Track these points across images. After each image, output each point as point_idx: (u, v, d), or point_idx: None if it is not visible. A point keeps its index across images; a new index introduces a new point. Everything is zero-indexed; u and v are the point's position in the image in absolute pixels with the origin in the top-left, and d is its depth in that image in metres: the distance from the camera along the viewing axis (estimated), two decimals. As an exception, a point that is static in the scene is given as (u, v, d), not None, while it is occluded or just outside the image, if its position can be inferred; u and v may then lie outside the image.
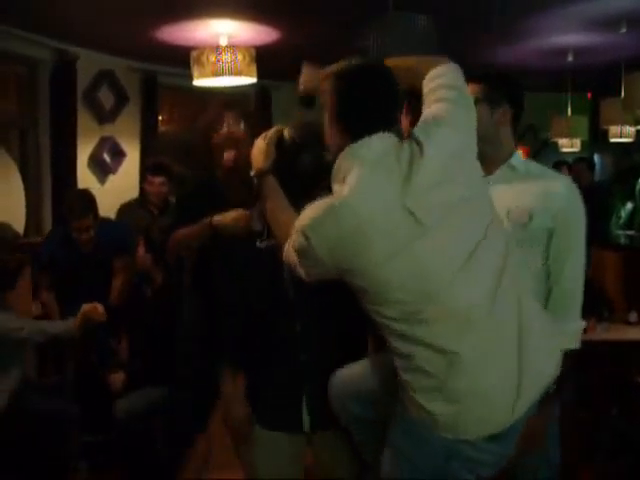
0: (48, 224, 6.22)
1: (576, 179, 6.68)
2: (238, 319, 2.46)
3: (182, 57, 5.60)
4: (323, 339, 2.38)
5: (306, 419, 2.40)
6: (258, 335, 2.42)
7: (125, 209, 5.26)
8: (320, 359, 2.36)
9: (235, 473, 2.79)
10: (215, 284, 2.71)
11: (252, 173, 2.27)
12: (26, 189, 6.08)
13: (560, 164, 7.34)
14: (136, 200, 5.29)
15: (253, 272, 2.41)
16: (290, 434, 2.43)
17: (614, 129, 7.44)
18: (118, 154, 6.83)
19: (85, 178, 6.51)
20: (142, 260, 3.98)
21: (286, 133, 2.41)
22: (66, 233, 4.37)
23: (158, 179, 5.16)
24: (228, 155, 3.00)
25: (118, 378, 3.95)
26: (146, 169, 5.26)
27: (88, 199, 4.43)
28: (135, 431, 3.62)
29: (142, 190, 5.46)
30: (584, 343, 4.06)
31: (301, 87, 2.59)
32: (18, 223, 5.73)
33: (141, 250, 4.01)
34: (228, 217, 2.87)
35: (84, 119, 6.47)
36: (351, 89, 2.08)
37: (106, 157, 6.70)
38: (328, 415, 2.33)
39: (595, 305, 4.75)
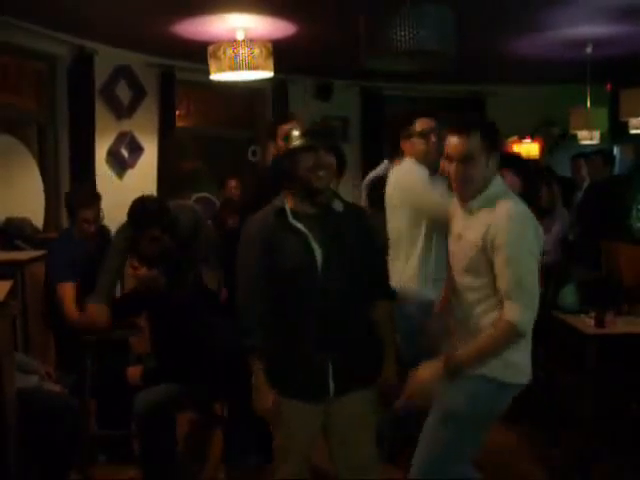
0: (66, 218, 6.24)
1: (592, 172, 6.66)
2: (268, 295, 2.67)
3: (199, 52, 5.62)
4: (348, 310, 2.67)
5: (332, 385, 2.66)
6: (292, 314, 2.66)
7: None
8: (346, 331, 2.67)
9: (250, 472, 2.82)
10: (244, 265, 2.76)
11: None
12: (45, 184, 6.13)
13: (578, 157, 7.25)
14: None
15: (287, 247, 2.64)
16: (313, 402, 2.67)
17: (634, 121, 7.37)
18: (136, 149, 6.86)
19: (103, 173, 6.54)
20: (147, 279, 3.85)
21: None
22: (69, 237, 4.36)
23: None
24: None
25: (136, 372, 3.96)
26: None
27: (91, 191, 4.42)
28: (153, 425, 3.62)
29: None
30: (605, 337, 4.08)
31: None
32: (37, 218, 5.78)
33: (141, 271, 3.80)
34: None
35: (102, 114, 6.49)
36: None
37: (124, 152, 6.72)
38: (351, 379, 2.68)
39: (615, 299, 4.72)
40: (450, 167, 2.68)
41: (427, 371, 2.59)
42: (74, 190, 4.74)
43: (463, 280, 2.72)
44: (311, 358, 2.65)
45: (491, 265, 2.59)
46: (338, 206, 2.72)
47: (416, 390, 2.59)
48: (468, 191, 2.68)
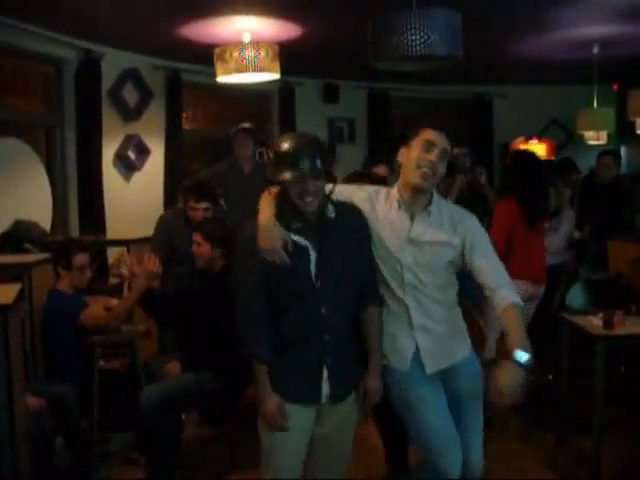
0: (74, 221, 6.28)
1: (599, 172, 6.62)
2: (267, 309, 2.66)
3: (206, 54, 5.63)
4: (343, 320, 2.69)
5: (325, 392, 2.67)
6: (288, 320, 2.64)
7: (166, 220, 5.01)
8: (340, 337, 2.67)
9: (257, 473, 2.82)
10: (242, 279, 2.75)
11: None
12: (52, 187, 6.15)
13: (605, 154, 7.06)
14: (179, 211, 4.84)
15: (283, 266, 2.60)
16: (306, 406, 2.69)
17: (641, 121, 7.36)
18: (143, 151, 6.88)
19: (110, 175, 6.56)
20: (209, 257, 3.95)
21: None
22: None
23: (203, 204, 4.63)
24: None
25: (175, 366, 3.99)
26: (187, 192, 4.76)
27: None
28: (160, 420, 3.64)
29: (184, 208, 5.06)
30: (613, 337, 4.07)
31: None
32: (45, 221, 5.79)
33: (205, 248, 3.93)
34: None
35: (109, 117, 6.51)
36: None
37: (131, 154, 6.74)
38: (345, 387, 2.72)
39: (623, 299, 4.70)
40: (431, 155, 2.69)
41: (506, 371, 2.54)
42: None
43: (434, 280, 2.77)
44: (306, 363, 2.66)
45: (456, 264, 2.77)
46: (330, 212, 2.66)
47: (504, 390, 2.54)
48: (432, 186, 2.74)
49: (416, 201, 2.75)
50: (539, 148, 8.30)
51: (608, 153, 6.63)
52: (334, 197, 2.69)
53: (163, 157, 7.10)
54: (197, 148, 7.98)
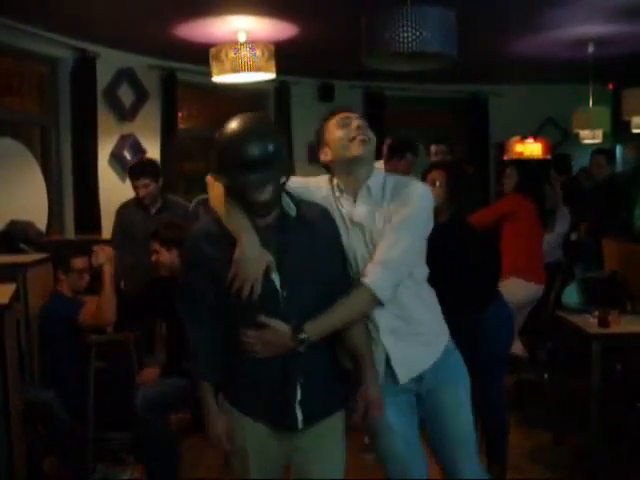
0: (70, 221, 6.27)
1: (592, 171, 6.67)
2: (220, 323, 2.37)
3: (201, 54, 5.62)
4: None
5: (299, 415, 2.32)
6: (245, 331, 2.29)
7: (123, 210, 5.17)
8: (313, 350, 2.29)
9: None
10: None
11: None
12: (48, 187, 6.13)
13: (598, 152, 7.09)
14: (133, 200, 5.07)
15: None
16: (278, 431, 2.35)
17: (636, 120, 7.36)
18: (138, 151, 6.86)
19: (106, 175, 6.55)
20: (167, 264, 3.93)
21: None
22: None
23: (142, 182, 4.92)
24: None
25: (152, 373, 3.98)
26: (128, 173, 5.03)
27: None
28: (152, 421, 3.63)
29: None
30: (608, 336, 4.07)
31: None
32: (40, 221, 5.78)
33: (163, 255, 3.97)
34: None
35: (104, 117, 6.50)
36: None
37: (127, 154, 6.73)
38: (323, 408, 2.37)
39: (618, 298, 4.71)
40: (354, 125, 2.52)
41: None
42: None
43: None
44: (277, 384, 2.30)
45: None
46: (291, 209, 2.31)
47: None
48: (371, 155, 2.56)
49: (356, 179, 2.48)
50: (534, 147, 8.31)
51: (601, 152, 6.64)
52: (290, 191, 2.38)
53: (159, 157, 7.08)
54: (193, 148, 7.97)
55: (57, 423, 3.86)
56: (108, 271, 4.12)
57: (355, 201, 2.48)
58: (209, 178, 2.49)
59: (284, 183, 2.29)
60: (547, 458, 4.30)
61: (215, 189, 2.41)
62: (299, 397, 2.30)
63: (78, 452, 3.96)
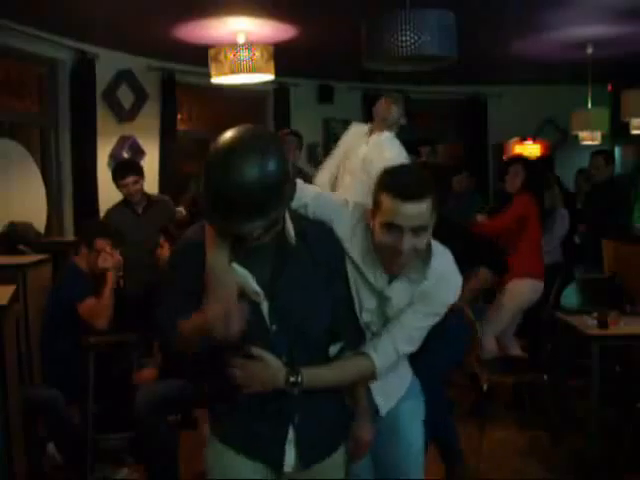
0: (69, 222, 6.27)
1: (591, 172, 6.67)
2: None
3: (200, 55, 5.63)
4: (309, 362, 2.04)
5: (294, 456, 2.06)
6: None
7: (111, 213, 5.22)
8: (311, 390, 2.03)
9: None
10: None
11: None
12: (47, 188, 6.14)
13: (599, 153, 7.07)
14: (119, 203, 5.15)
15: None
16: (270, 471, 2.09)
17: (635, 121, 7.36)
18: (138, 152, 6.86)
19: (105, 177, 6.53)
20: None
21: None
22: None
23: (133, 178, 5.03)
24: None
25: (150, 374, 4.00)
26: (113, 175, 5.12)
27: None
28: (152, 421, 3.64)
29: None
30: (608, 337, 4.08)
31: None
32: (39, 222, 5.78)
33: (166, 251, 4.03)
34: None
35: (104, 118, 6.50)
36: None
37: (126, 155, 6.73)
38: (319, 451, 2.11)
39: (617, 299, 4.72)
40: (398, 241, 2.02)
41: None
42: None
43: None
44: (267, 425, 2.04)
45: None
46: (291, 235, 1.98)
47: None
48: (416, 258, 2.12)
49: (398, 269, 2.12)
50: (534, 148, 8.32)
51: (600, 153, 6.64)
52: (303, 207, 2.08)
53: (158, 158, 7.09)
54: (192, 149, 7.97)
55: (60, 421, 3.86)
56: (111, 278, 4.22)
57: (390, 279, 2.14)
58: None
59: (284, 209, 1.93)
60: (546, 459, 4.30)
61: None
62: (294, 438, 2.05)
63: (78, 452, 3.97)
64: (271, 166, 1.78)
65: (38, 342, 4.18)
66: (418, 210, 1.98)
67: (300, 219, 2.04)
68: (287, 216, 1.98)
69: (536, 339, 5.28)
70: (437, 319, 2.19)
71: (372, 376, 2.16)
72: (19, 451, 3.16)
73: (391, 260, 2.06)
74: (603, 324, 4.08)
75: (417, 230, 2.00)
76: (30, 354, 4.14)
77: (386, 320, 2.17)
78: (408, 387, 2.43)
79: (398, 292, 2.14)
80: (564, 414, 4.58)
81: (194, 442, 3.73)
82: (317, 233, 2.05)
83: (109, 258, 4.24)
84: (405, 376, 2.43)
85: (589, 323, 4.16)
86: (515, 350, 4.98)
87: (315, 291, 2.01)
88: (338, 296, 2.09)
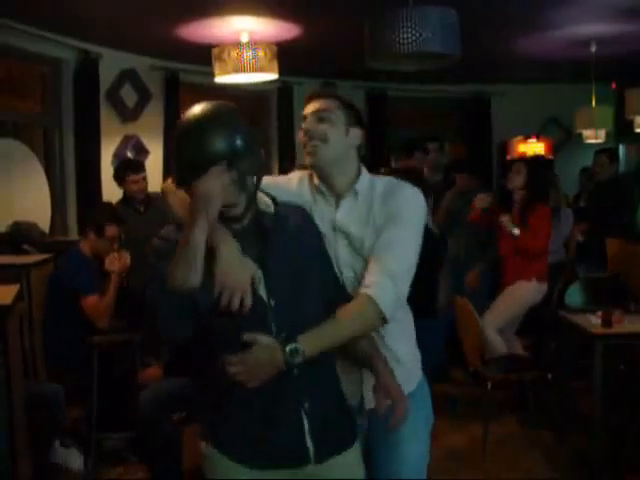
0: (73, 222, 6.28)
1: (595, 170, 6.67)
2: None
3: (204, 54, 5.63)
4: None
5: (311, 447, 1.99)
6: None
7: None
8: (312, 372, 1.98)
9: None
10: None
11: None
12: (51, 188, 6.15)
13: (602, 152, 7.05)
14: (120, 202, 5.17)
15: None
16: (288, 469, 2.01)
17: (639, 119, 7.35)
18: (142, 152, 6.87)
19: (109, 176, 6.52)
20: None
21: None
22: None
23: (142, 175, 5.14)
24: None
25: (155, 372, 4.00)
26: (125, 169, 5.18)
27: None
28: (157, 420, 3.64)
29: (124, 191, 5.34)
30: (611, 336, 4.07)
31: None
32: (43, 222, 5.79)
33: None
34: None
35: (107, 118, 6.51)
36: None
37: (130, 155, 6.74)
38: (332, 436, 2.04)
39: (621, 297, 4.71)
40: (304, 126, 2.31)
41: None
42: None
43: None
44: (280, 414, 1.98)
45: None
46: (269, 208, 2.07)
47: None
48: (329, 158, 2.24)
49: (334, 183, 2.21)
50: (537, 147, 8.31)
51: (604, 152, 6.63)
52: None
53: (162, 157, 7.09)
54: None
55: (62, 415, 3.88)
56: (114, 280, 4.22)
57: (337, 206, 2.21)
58: (167, 184, 2.26)
59: (258, 182, 2.00)
60: (549, 458, 4.30)
61: (177, 195, 2.13)
62: (307, 427, 1.98)
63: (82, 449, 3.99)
64: (237, 125, 1.95)
65: (41, 340, 4.19)
66: (319, 104, 2.27)
67: (274, 203, 2.10)
68: (264, 197, 2.08)
69: (540, 338, 5.28)
70: (416, 240, 2.14)
71: (378, 315, 2.04)
72: (23, 448, 3.17)
73: (305, 151, 2.24)
74: (607, 323, 4.07)
75: (320, 117, 2.25)
76: (34, 353, 4.15)
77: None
78: (415, 389, 2.30)
79: (347, 212, 2.19)
80: (567, 413, 4.58)
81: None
82: (292, 212, 2.11)
83: (116, 262, 4.23)
84: (412, 371, 2.33)
85: (593, 322, 4.16)
86: (517, 349, 4.98)
87: (301, 267, 2.03)
88: (324, 270, 2.12)
